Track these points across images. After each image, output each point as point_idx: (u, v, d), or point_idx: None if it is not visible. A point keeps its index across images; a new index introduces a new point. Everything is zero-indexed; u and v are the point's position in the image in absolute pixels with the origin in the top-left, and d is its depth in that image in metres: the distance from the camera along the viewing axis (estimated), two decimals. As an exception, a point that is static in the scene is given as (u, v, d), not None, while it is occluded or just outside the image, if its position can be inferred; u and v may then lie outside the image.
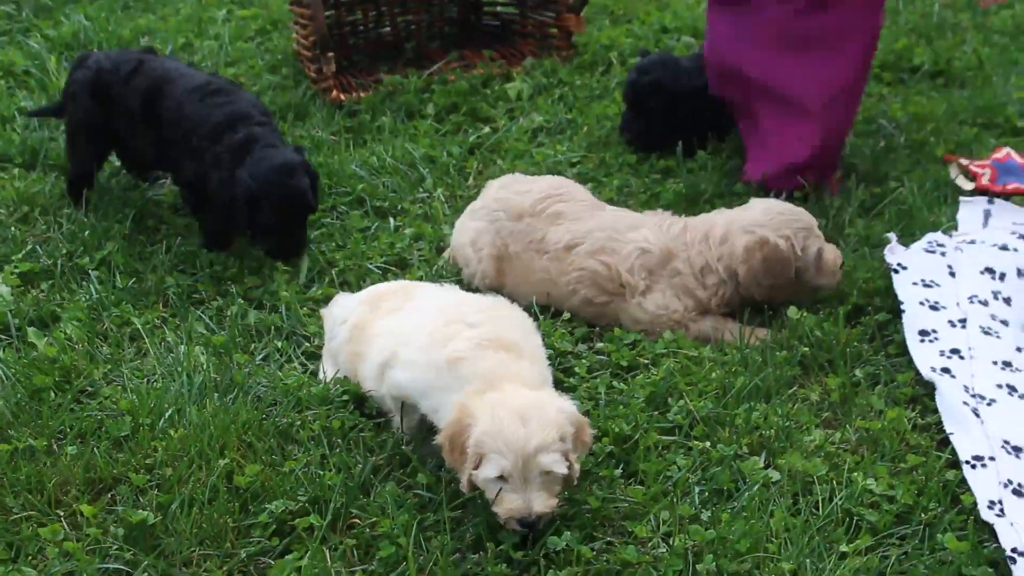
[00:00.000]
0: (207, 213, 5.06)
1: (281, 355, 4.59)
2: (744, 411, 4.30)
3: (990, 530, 3.83)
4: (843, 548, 3.79)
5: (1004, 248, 4.99)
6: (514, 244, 4.96)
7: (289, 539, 3.80)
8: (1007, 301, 4.80)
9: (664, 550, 3.77)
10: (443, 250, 5.19)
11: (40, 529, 3.78)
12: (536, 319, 4.35)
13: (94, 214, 5.36)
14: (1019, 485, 3.98)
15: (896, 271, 4.88)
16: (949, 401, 4.31)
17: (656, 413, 4.31)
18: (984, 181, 5.62)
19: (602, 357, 4.62)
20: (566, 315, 4.85)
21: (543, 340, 4.23)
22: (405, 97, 6.29)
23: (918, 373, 4.49)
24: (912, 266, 4.91)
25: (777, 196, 5.24)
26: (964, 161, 5.75)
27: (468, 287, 4.92)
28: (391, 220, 5.39)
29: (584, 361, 4.55)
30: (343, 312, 4.48)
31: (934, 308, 4.73)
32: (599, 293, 4.85)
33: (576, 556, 3.72)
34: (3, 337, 4.68)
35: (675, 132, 5.81)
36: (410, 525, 3.78)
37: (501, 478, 3.71)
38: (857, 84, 5.50)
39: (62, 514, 3.87)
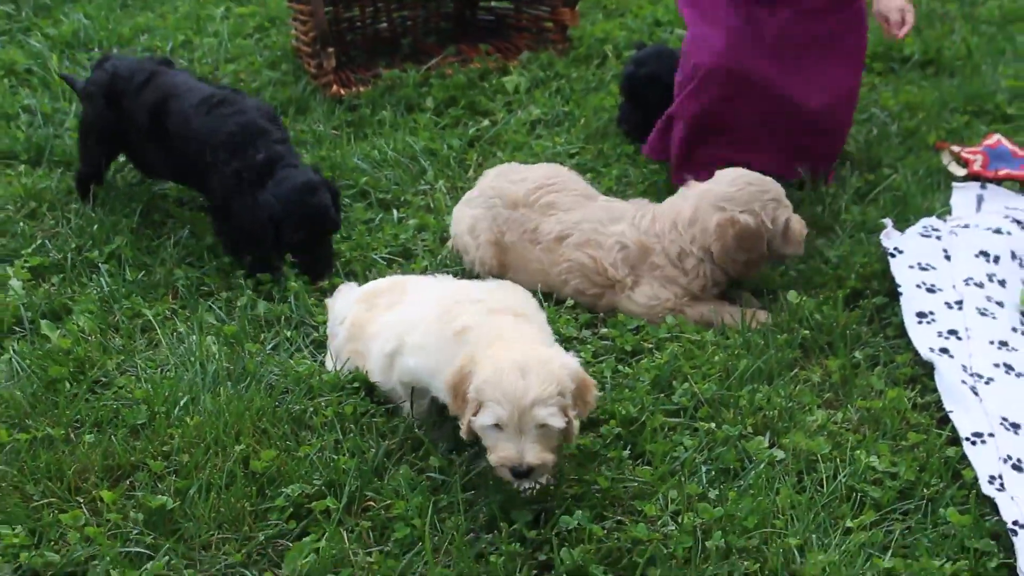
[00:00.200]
0: (238, 241, 5.09)
1: (291, 344, 4.66)
2: (747, 392, 4.39)
3: (991, 504, 3.92)
4: (848, 524, 3.88)
5: (998, 231, 5.08)
6: (510, 233, 5.04)
7: (306, 522, 3.87)
8: (1002, 283, 4.89)
9: (673, 528, 3.85)
10: (447, 240, 5.26)
11: (61, 515, 3.84)
12: (540, 306, 4.42)
13: (101, 209, 5.42)
14: (1018, 460, 4.08)
15: (893, 255, 4.97)
16: (948, 380, 4.41)
17: (661, 396, 4.40)
18: (976, 167, 5.71)
19: (606, 342, 4.70)
20: (569, 302, 4.93)
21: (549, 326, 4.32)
22: (404, 91, 6.36)
23: (917, 354, 4.59)
24: (908, 250, 5.00)
25: None
26: (956, 148, 5.84)
27: (470, 275, 5.00)
28: (394, 212, 5.47)
29: (589, 346, 4.64)
30: (341, 310, 4.56)
31: (931, 291, 4.83)
32: (590, 285, 4.94)
33: (588, 534, 3.80)
34: (17, 329, 4.74)
35: None
36: (424, 507, 3.85)
37: (497, 427, 3.78)
38: (858, 83, 5.59)
39: (82, 500, 3.93)
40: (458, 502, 3.88)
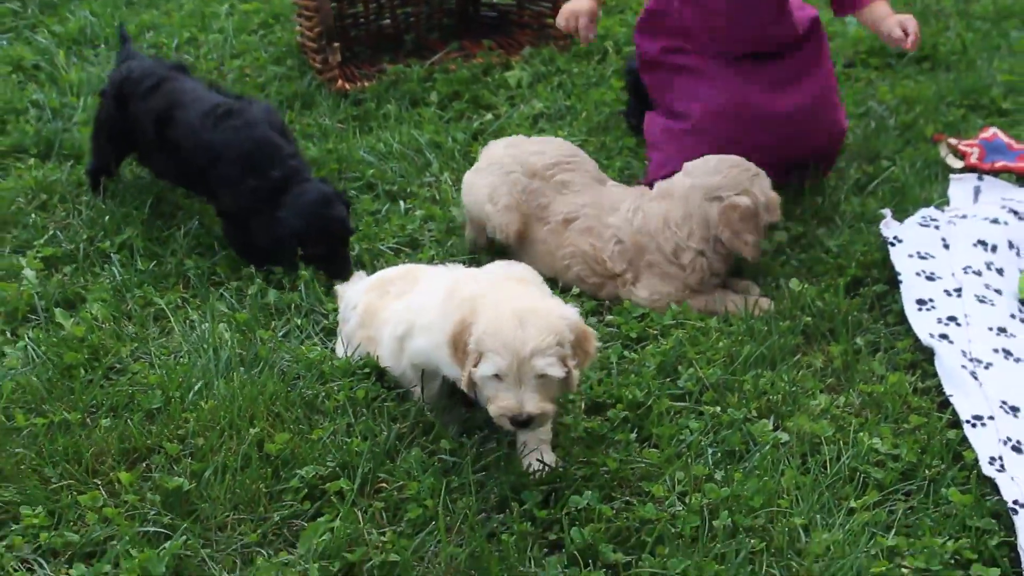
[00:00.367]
0: (256, 255, 5.16)
1: (301, 332, 4.73)
2: (751, 377, 4.47)
3: (991, 484, 4.00)
4: (851, 504, 3.96)
5: (995, 221, 5.16)
6: (527, 203, 5.12)
7: (320, 503, 3.94)
8: (1000, 271, 4.98)
9: (681, 508, 3.92)
10: (453, 230, 5.33)
11: (79, 496, 3.90)
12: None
13: (112, 200, 5.48)
14: (1018, 442, 4.16)
15: (892, 244, 5.05)
16: (948, 365, 4.49)
17: (667, 381, 4.47)
18: (973, 160, 5.80)
19: (612, 329, 4.77)
20: (575, 290, 5.01)
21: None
22: (408, 86, 6.43)
23: (917, 340, 4.67)
24: (907, 239, 5.08)
25: None
26: (953, 141, 5.93)
27: (488, 252, 5.09)
28: (401, 203, 5.53)
29: (595, 333, 4.70)
30: (353, 297, 4.63)
31: (930, 278, 4.91)
32: (590, 274, 5.02)
33: (597, 514, 3.87)
34: (32, 317, 4.81)
35: None
36: (437, 488, 3.92)
37: (497, 377, 3.84)
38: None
39: (99, 482, 3.99)
40: (469, 483, 3.95)
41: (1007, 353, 4.56)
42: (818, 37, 5.59)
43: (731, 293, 4.97)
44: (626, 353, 4.62)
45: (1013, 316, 4.77)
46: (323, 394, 4.34)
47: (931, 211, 5.30)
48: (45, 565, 3.70)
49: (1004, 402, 4.32)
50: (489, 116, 6.21)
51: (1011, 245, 5.09)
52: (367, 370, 4.41)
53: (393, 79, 6.48)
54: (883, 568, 3.70)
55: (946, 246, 5.08)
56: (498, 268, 4.27)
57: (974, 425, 4.23)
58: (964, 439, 4.20)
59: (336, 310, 4.76)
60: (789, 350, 4.65)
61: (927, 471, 4.08)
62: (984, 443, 4.15)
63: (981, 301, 4.78)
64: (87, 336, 4.61)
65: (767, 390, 4.42)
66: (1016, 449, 4.13)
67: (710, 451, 4.16)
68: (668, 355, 4.55)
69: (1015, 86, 6.46)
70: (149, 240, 5.23)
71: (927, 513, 3.92)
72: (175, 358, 4.55)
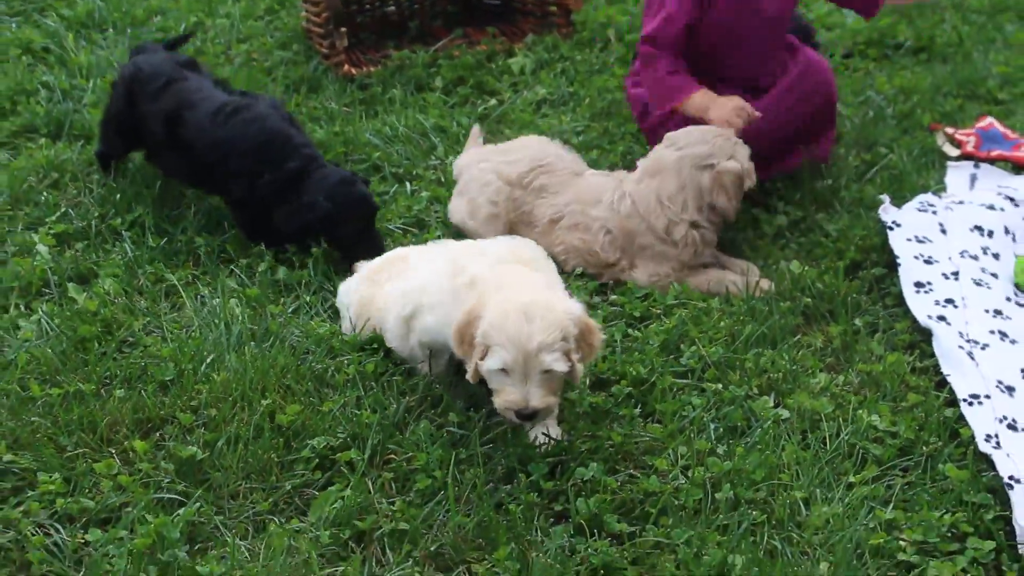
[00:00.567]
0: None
1: (310, 308, 4.81)
2: (753, 356, 4.55)
3: (988, 461, 4.09)
4: (850, 479, 4.04)
5: (991, 208, 5.25)
6: (509, 211, 5.20)
7: (331, 472, 4.03)
8: (996, 256, 5.07)
9: (684, 481, 4.01)
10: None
11: (95, 464, 3.98)
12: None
13: (123, 179, 5.56)
14: (1013, 420, 4.25)
15: (891, 228, 5.13)
16: (945, 346, 4.58)
17: (670, 358, 4.56)
18: (969, 148, 5.88)
19: (616, 308, 4.85)
20: (578, 269, 5.09)
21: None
22: (414, 71, 6.50)
23: (915, 321, 4.75)
24: (906, 224, 5.17)
25: None
26: (950, 130, 6.01)
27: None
28: (407, 184, 5.61)
29: (600, 312, 4.79)
30: (345, 296, 4.72)
31: (928, 262, 4.99)
32: (588, 265, 5.11)
33: (602, 486, 3.95)
34: (46, 291, 4.89)
35: None
36: (445, 459, 4.01)
37: (503, 371, 3.93)
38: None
39: (114, 451, 4.07)
40: (477, 455, 4.03)
41: (1003, 335, 4.65)
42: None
43: (731, 274, 5.05)
44: (630, 331, 4.70)
45: (1009, 299, 4.86)
46: (333, 368, 4.41)
47: (928, 197, 5.38)
48: (61, 530, 3.78)
49: (1000, 382, 4.40)
50: (493, 101, 6.28)
51: (1007, 231, 5.18)
52: (376, 346, 4.49)
53: (398, 64, 6.56)
54: (881, 540, 3.79)
55: (943, 231, 5.16)
56: (504, 246, 4.34)
57: (971, 404, 4.32)
58: (961, 417, 4.29)
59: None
60: (789, 330, 4.73)
61: (924, 448, 4.16)
62: (980, 421, 4.24)
63: (978, 284, 4.87)
64: (100, 310, 4.68)
65: (768, 368, 4.51)
66: (1012, 427, 4.22)
67: (712, 426, 4.24)
68: (671, 334, 4.64)
69: (1010, 77, 6.55)
70: (160, 218, 5.30)
71: (924, 488, 4.01)
72: (187, 332, 4.62)
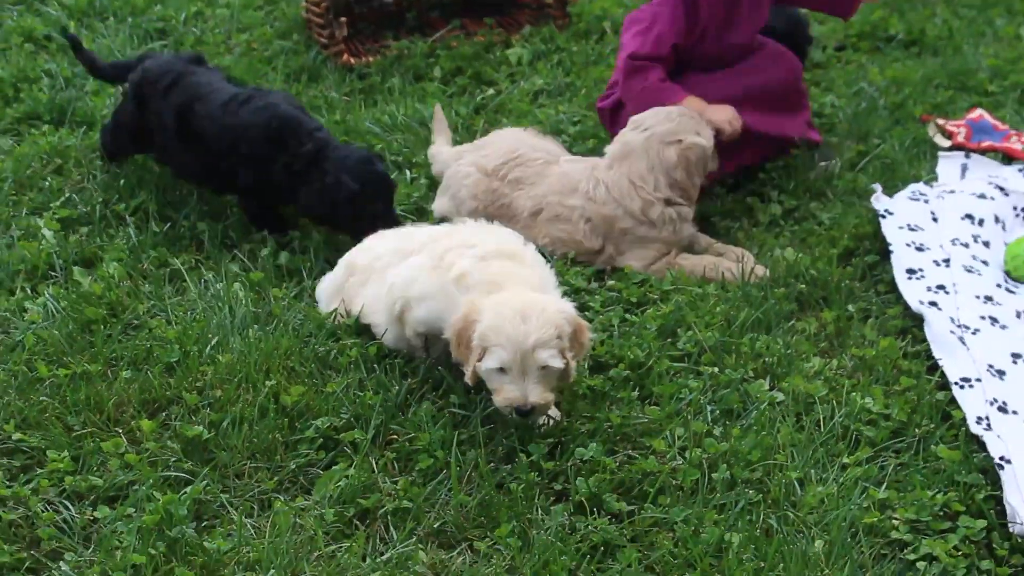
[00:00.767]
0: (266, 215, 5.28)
1: (312, 293, 4.88)
2: (748, 340, 4.63)
3: (979, 442, 4.17)
4: (844, 460, 4.13)
5: (982, 197, 5.34)
6: (488, 204, 5.28)
7: (334, 452, 4.10)
8: (986, 244, 5.16)
9: (681, 462, 4.08)
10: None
11: (102, 443, 4.05)
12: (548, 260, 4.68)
13: (126, 166, 5.62)
14: (1004, 403, 4.33)
15: (884, 216, 5.22)
16: (937, 331, 4.66)
17: (667, 342, 4.63)
18: (959, 139, 5.96)
19: (613, 294, 4.93)
20: (571, 253, 5.17)
21: (558, 279, 4.56)
22: (412, 61, 6.56)
23: (907, 307, 4.83)
24: (898, 212, 5.25)
25: None
26: (941, 121, 6.09)
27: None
28: (407, 172, 5.68)
29: (597, 297, 4.87)
30: (324, 303, 4.77)
31: (919, 249, 5.08)
32: (578, 254, 5.18)
33: (601, 466, 4.03)
34: (52, 275, 4.95)
35: None
36: (447, 440, 4.08)
37: (502, 370, 4.05)
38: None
39: (121, 431, 4.14)
40: (478, 436, 4.11)
41: (993, 320, 4.73)
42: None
43: (726, 261, 5.12)
44: (627, 316, 4.78)
45: (999, 285, 4.95)
46: (335, 351, 4.48)
47: (920, 186, 5.47)
48: (70, 507, 3.85)
49: (991, 365, 4.49)
50: (491, 91, 6.35)
51: (997, 219, 5.27)
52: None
53: (397, 55, 6.62)
54: (875, 519, 3.88)
55: (935, 219, 5.25)
56: (491, 239, 4.42)
57: (962, 387, 4.40)
58: (952, 400, 4.38)
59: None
60: (784, 315, 4.81)
61: (917, 429, 4.25)
62: (972, 403, 4.32)
63: (968, 271, 4.95)
64: (105, 293, 4.75)
65: (763, 352, 4.58)
66: (1002, 409, 4.30)
67: (709, 409, 4.32)
68: (668, 318, 4.71)
69: (1000, 70, 6.63)
70: (163, 204, 5.37)
71: (917, 469, 4.09)
72: (191, 315, 4.68)
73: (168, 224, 5.25)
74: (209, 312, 4.67)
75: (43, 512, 3.82)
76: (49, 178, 5.55)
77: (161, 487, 3.91)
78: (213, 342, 4.48)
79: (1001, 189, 5.38)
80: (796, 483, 4.01)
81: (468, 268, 4.24)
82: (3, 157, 5.72)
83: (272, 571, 3.66)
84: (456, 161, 5.42)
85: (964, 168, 5.72)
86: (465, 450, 4.08)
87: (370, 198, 5.03)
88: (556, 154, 5.42)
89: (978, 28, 7.19)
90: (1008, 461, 4.04)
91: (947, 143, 5.96)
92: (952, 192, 5.39)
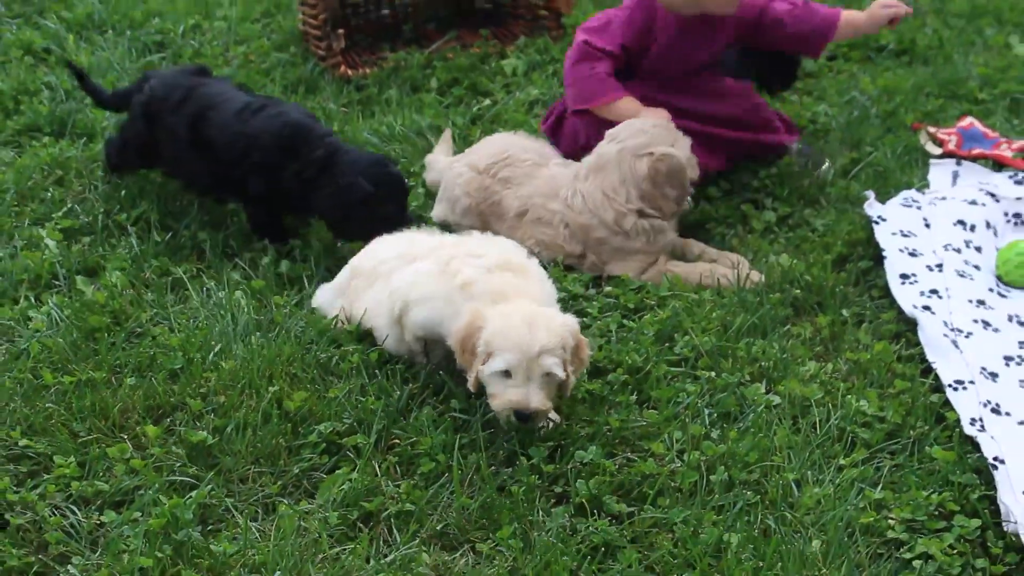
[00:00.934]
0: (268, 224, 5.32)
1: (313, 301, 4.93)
2: (744, 345, 4.68)
3: (973, 443, 4.22)
4: (840, 461, 4.18)
5: (973, 203, 5.41)
6: (480, 200, 5.34)
7: (337, 457, 4.15)
8: (978, 249, 5.22)
9: (679, 464, 4.14)
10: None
11: (108, 449, 4.10)
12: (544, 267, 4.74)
13: (127, 176, 5.67)
14: (997, 405, 4.40)
15: (876, 223, 5.28)
16: (930, 334, 4.73)
17: (664, 347, 4.68)
18: (951, 147, 6.03)
19: (611, 300, 4.98)
20: (560, 258, 5.22)
21: (556, 285, 4.62)
22: (409, 72, 6.62)
23: (901, 312, 4.89)
24: (891, 218, 5.32)
25: None
26: (932, 129, 6.16)
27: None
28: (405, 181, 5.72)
29: (595, 303, 4.93)
30: (326, 307, 4.83)
31: (912, 255, 5.14)
32: (563, 257, 5.24)
33: (600, 468, 4.09)
34: (55, 284, 5.00)
35: None
36: (448, 444, 4.14)
37: (506, 373, 4.11)
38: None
39: (126, 436, 4.19)
40: (479, 440, 4.16)
41: (986, 324, 4.80)
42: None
43: (722, 267, 5.17)
44: (625, 322, 4.83)
45: (991, 290, 5.01)
46: (337, 357, 4.54)
47: (912, 193, 5.54)
48: (77, 512, 3.90)
49: (984, 368, 4.55)
50: (487, 102, 6.40)
51: (988, 225, 5.33)
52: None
53: (394, 66, 6.67)
54: (871, 519, 3.93)
55: (927, 225, 5.32)
56: (496, 251, 4.50)
57: (956, 389, 4.47)
58: (946, 402, 4.43)
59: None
60: (779, 320, 4.87)
61: (911, 431, 4.30)
62: (965, 405, 4.39)
63: (961, 276, 5.02)
64: (108, 302, 4.79)
65: (759, 357, 4.64)
66: (995, 411, 4.37)
67: (706, 412, 4.37)
68: (665, 324, 4.77)
69: (990, 79, 6.70)
70: (164, 214, 5.42)
71: (912, 470, 4.15)
72: (194, 323, 4.73)
73: (169, 234, 5.30)
74: (212, 320, 4.72)
75: (50, 517, 3.86)
76: (51, 189, 5.60)
77: (167, 492, 3.96)
78: (216, 349, 4.53)
79: (992, 195, 5.45)
80: (793, 484, 4.07)
81: (474, 277, 4.31)
82: (4, 169, 5.77)
83: (277, 573, 3.71)
84: (451, 167, 5.49)
85: (955, 175, 5.79)
86: (466, 454, 4.13)
87: (384, 200, 5.06)
88: (547, 156, 5.49)
89: (968, 37, 7.27)
90: (1002, 461, 4.10)
91: (938, 151, 6.03)
92: (944, 198, 5.46)
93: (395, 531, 3.90)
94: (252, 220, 5.33)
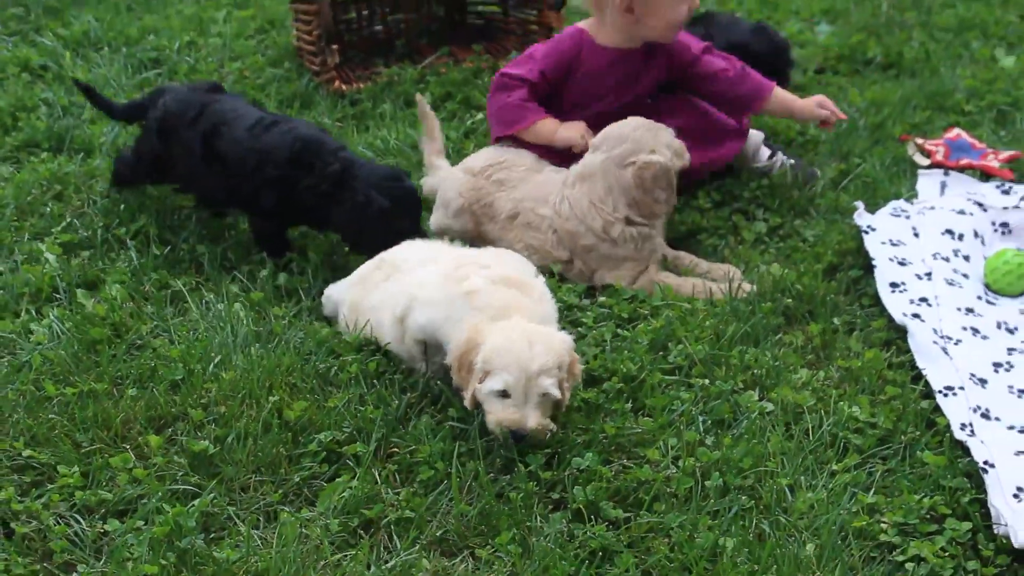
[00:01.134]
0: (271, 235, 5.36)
1: (310, 313, 4.99)
2: (737, 353, 4.74)
3: (963, 448, 4.28)
4: (833, 466, 4.22)
5: (961, 212, 5.48)
6: (472, 201, 5.41)
7: (337, 465, 4.19)
8: (966, 258, 5.29)
9: (675, 470, 4.19)
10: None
11: (111, 459, 4.14)
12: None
13: (126, 191, 5.74)
14: (986, 410, 4.46)
15: (866, 232, 5.35)
16: (920, 341, 4.79)
17: (658, 356, 4.73)
18: (938, 157, 6.11)
19: (604, 310, 5.04)
20: (556, 266, 5.28)
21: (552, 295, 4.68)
22: (403, 87, 6.70)
23: (891, 320, 4.95)
24: (880, 228, 5.39)
25: None
26: (920, 140, 6.24)
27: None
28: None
29: (590, 313, 4.98)
30: (336, 296, 4.91)
31: (902, 264, 5.21)
32: (550, 262, 5.30)
33: (597, 475, 4.13)
34: (56, 297, 5.05)
35: None
36: (447, 452, 4.19)
37: (504, 393, 4.16)
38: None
39: (129, 446, 4.23)
40: (477, 448, 4.21)
41: (975, 331, 4.87)
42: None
43: (712, 284, 5.20)
44: (619, 331, 4.89)
45: (979, 298, 5.08)
46: (336, 367, 4.59)
47: (901, 203, 5.61)
48: (81, 521, 3.93)
49: (973, 374, 4.62)
50: (480, 115, 6.46)
51: (976, 234, 5.40)
52: (375, 347, 4.67)
53: (387, 81, 6.75)
54: (864, 523, 3.98)
55: (916, 234, 5.39)
56: (504, 265, 4.58)
57: (946, 395, 4.53)
58: (936, 408, 4.49)
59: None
60: (771, 329, 4.93)
61: (903, 437, 4.36)
62: (955, 411, 4.44)
63: (950, 284, 5.09)
64: (108, 315, 4.84)
65: (752, 365, 4.70)
66: (985, 416, 4.43)
67: (700, 419, 4.42)
68: (659, 333, 4.83)
69: (976, 91, 6.79)
70: (162, 228, 5.47)
71: (904, 474, 4.20)
72: (194, 334, 4.79)
73: (168, 247, 5.35)
74: (211, 331, 4.77)
75: (55, 525, 3.90)
76: (50, 204, 5.65)
77: (169, 500, 4.00)
78: (216, 360, 4.58)
79: (980, 205, 5.52)
80: (787, 489, 4.12)
81: (479, 286, 4.37)
82: (4, 184, 5.83)
83: (280, 579, 3.76)
84: (446, 179, 5.56)
85: (943, 185, 5.87)
86: (465, 461, 4.18)
87: (399, 215, 5.09)
88: (543, 163, 5.54)
89: (954, 51, 7.37)
90: (992, 465, 4.16)
91: (926, 161, 6.11)
92: (932, 208, 5.53)
93: (395, 537, 3.94)
94: (257, 233, 5.37)
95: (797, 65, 6.91)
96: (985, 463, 4.17)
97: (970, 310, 4.98)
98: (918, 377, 4.67)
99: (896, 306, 4.98)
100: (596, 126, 5.45)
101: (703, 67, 5.73)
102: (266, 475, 4.15)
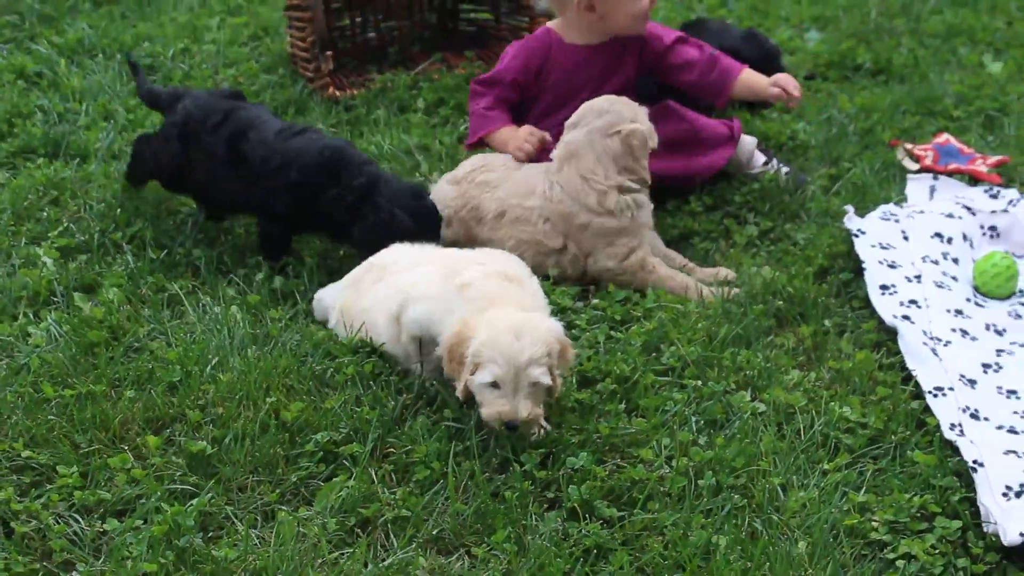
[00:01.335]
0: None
1: (306, 316, 5.02)
2: (729, 355, 4.78)
3: (953, 448, 4.32)
4: (825, 466, 4.27)
5: (950, 216, 5.53)
6: (459, 207, 5.45)
7: (334, 465, 4.23)
8: (955, 261, 5.35)
9: (668, 470, 4.23)
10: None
11: (109, 459, 4.17)
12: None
13: (122, 195, 5.78)
14: (975, 411, 4.50)
15: (856, 235, 5.40)
16: (910, 343, 4.84)
17: (651, 357, 4.77)
18: (927, 162, 6.17)
19: (597, 312, 5.08)
20: (553, 270, 5.33)
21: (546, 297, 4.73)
22: (396, 93, 6.74)
23: (881, 322, 5.00)
24: (870, 231, 5.44)
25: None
26: (909, 145, 6.30)
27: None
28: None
29: (583, 315, 5.02)
30: (329, 300, 4.95)
31: (892, 266, 5.26)
32: (543, 257, 5.34)
33: (591, 474, 4.17)
34: (53, 300, 5.09)
35: None
36: (443, 452, 4.23)
37: (494, 384, 4.22)
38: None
39: (127, 447, 4.26)
40: (473, 447, 4.24)
41: (964, 332, 4.92)
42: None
43: (706, 289, 5.24)
44: (612, 333, 4.93)
45: (968, 300, 5.14)
46: (332, 369, 4.62)
47: (891, 207, 5.67)
48: (80, 520, 3.96)
49: (962, 375, 4.67)
50: (473, 121, 6.51)
51: (965, 237, 5.46)
52: (370, 348, 4.71)
53: (381, 87, 6.79)
54: (855, 521, 4.02)
55: (906, 238, 5.44)
56: (496, 261, 4.65)
57: (935, 395, 4.58)
58: (926, 408, 4.54)
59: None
60: (763, 331, 4.98)
61: (893, 436, 4.41)
62: (945, 411, 4.49)
63: (939, 286, 5.14)
64: (106, 318, 4.87)
65: (744, 366, 4.75)
66: (974, 416, 4.48)
67: (693, 420, 4.47)
68: (651, 335, 4.87)
69: (965, 96, 6.86)
70: (158, 232, 5.50)
71: (894, 473, 4.25)
72: (191, 337, 4.82)
73: (164, 251, 5.39)
74: (208, 334, 4.81)
75: (54, 525, 3.93)
76: (46, 209, 5.69)
77: (168, 500, 4.03)
78: (213, 362, 4.61)
79: (968, 209, 5.58)
80: (779, 488, 4.16)
81: (473, 279, 4.43)
82: (0, 190, 5.86)
83: (278, 577, 3.80)
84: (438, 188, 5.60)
85: (932, 189, 5.93)
86: (460, 461, 4.22)
87: (420, 233, 5.07)
88: (519, 163, 5.57)
89: (943, 57, 7.43)
90: (981, 464, 4.20)
91: (915, 166, 6.16)
92: (922, 212, 5.58)
93: (392, 536, 3.97)
94: (263, 235, 5.37)
95: (787, 71, 6.94)
96: (974, 462, 4.21)
97: (959, 312, 5.03)
98: (908, 378, 4.72)
99: (886, 308, 5.03)
100: None
101: (675, 57, 5.80)
102: (264, 475, 4.19)
